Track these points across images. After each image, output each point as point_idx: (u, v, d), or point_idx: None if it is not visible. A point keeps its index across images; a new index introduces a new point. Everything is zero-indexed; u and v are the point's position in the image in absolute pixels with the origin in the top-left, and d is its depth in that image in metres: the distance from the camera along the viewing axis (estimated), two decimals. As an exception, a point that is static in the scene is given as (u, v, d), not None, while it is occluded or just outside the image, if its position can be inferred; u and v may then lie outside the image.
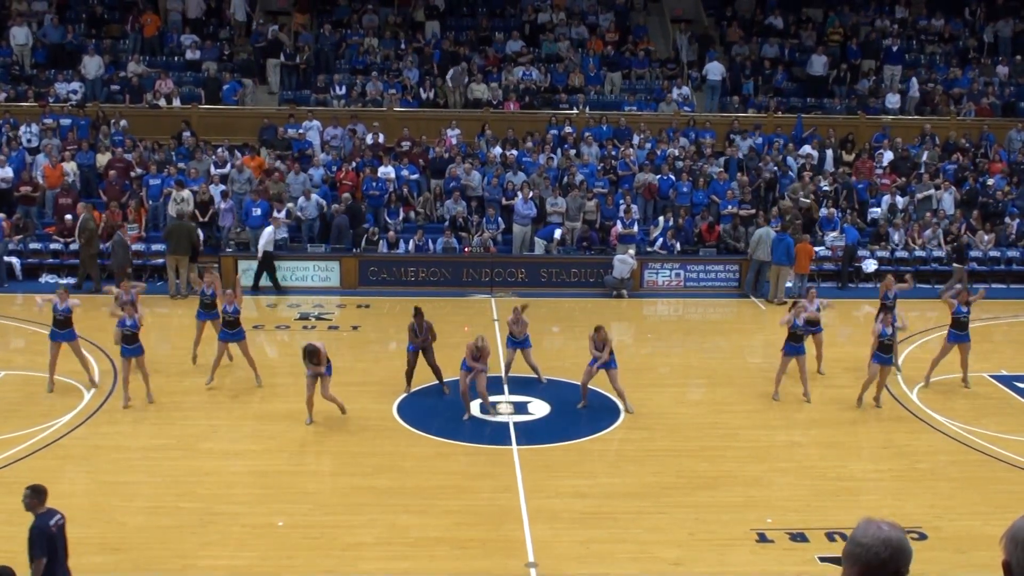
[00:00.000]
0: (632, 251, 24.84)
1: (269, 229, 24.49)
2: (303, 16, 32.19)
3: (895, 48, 32.42)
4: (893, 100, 31.17)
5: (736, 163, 28.22)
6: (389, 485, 13.81)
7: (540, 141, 28.41)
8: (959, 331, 17.88)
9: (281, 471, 14.22)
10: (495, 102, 30.36)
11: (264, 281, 24.47)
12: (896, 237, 26.43)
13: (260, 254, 24.39)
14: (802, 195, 26.34)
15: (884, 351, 16.66)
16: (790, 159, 28.16)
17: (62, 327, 16.92)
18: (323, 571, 11.58)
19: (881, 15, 34.31)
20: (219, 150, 27.61)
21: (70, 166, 26.71)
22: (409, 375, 17.28)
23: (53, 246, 25.34)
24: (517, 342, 17.73)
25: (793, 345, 17.03)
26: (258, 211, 25.29)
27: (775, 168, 27.67)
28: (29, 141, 27.73)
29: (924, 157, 28.72)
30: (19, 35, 31.03)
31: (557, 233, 25.78)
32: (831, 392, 17.62)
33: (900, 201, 27.33)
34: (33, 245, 25.44)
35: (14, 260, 24.84)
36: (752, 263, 24.74)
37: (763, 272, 24.67)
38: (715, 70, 31.44)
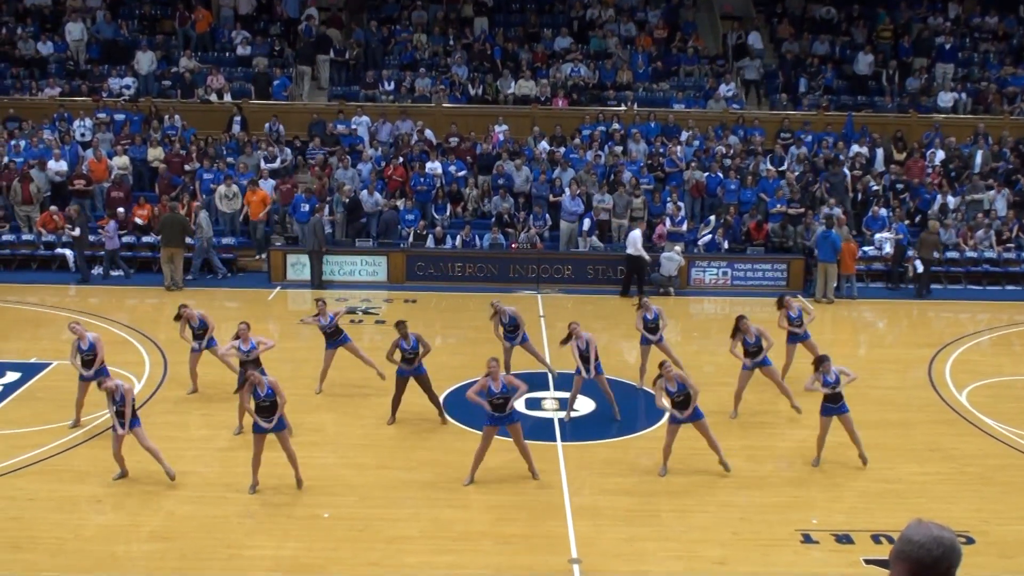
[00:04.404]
0: (679, 248, 24.76)
1: (637, 232, 24.19)
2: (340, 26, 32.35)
3: (948, 46, 32.04)
4: (946, 99, 30.81)
5: (780, 159, 28.05)
6: (433, 479, 13.88)
7: (587, 139, 28.43)
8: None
9: (326, 463, 14.34)
10: (543, 98, 30.37)
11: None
12: (946, 237, 26.10)
13: (627, 256, 24.23)
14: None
15: (833, 401, 14.28)
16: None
17: (88, 367, 15.21)
18: (367, 563, 11.67)
19: (934, 12, 33.92)
20: (269, 147, 27.87)
21: (123, 160, 27.08)
22: (396, 403, 15.88)
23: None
24: (513, 337, 17.48)
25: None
26: (306, 207, 25.51)
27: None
28: (83, 135, 28.15)
29: (977, 157, 28.35)
30: (74, 31, 31.52)
31: (586, 223, 25.72)
32: (876, 394, 17.41)
33: (952, 201, 27.00)
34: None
35: (67, 252, 25.22)
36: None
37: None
38: (751, 70, 31.53)
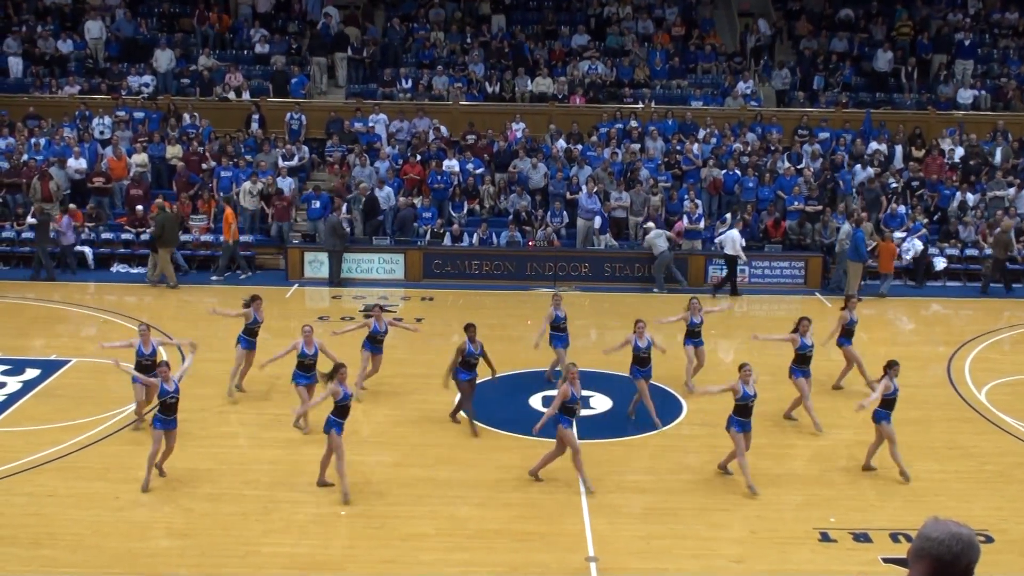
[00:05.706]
0: (652, 224, 24.79)
1: (735, 232, 24.10)
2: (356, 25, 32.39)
3: (967, 42, 31.85)
4: (965, 95, 30.63)
5: (797, 157, 27.96)
6: (449, 477, 13.89)
7: (604, 136, 28.40)
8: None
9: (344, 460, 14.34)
10: (560, 96, 30.34)
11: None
12: (965, 234, 25.94)
13: (725, 256, 24.26)
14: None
15: (803, 363, 15.58)
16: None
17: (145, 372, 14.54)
18: (383, 561, 11.69)
19: (953, 9, 33.75)
20: (287, 144, 27.93)
21: (141, 158, 27.19)
22: (462, 407, 15.72)
23: (124, 236, 25.81)
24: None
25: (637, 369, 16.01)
26: (317, 203, 25.56)
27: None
28: (102, 133, 28.28)
29: (997, 154, 28.18)
30: (93, 29, 31.68)
31: (597, 221, 25.70)
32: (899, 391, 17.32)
33: (971, 198, 26.83)
34: (105, 235, 25.94)
35: (87, 249, 25.35)
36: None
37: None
38: (779, 80, 31.37)
